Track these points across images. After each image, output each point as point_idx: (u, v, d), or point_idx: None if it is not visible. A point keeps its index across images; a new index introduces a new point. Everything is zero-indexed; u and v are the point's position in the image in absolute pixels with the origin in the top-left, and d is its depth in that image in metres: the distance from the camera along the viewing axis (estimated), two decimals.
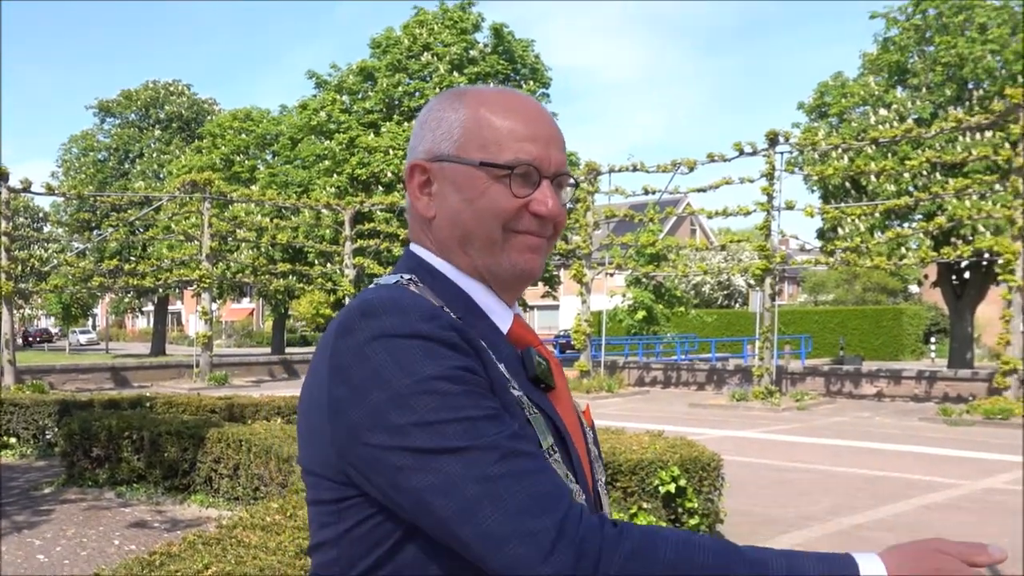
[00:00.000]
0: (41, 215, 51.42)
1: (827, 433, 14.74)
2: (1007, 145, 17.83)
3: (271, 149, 39.91)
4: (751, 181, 20.72)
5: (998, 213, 18.13)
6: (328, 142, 33.18)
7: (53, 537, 7.30)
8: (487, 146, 1.21)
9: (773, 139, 20.28)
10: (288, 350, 41.63)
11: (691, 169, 21.33)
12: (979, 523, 8.04)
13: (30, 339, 61.46)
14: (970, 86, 24.85)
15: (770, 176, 20.34)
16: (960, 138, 20.24)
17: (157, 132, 46.03)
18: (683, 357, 31.01)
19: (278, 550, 3.57)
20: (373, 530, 1.10)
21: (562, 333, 43.74)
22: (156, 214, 28.11)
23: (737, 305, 49.07)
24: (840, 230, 22.06)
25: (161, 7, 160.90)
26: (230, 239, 27.10)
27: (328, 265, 29.09)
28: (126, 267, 26.07)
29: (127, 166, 45.82)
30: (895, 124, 22.09)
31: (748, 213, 21.02)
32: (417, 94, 33.05)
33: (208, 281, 24.68)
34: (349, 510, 1.11)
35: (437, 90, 31.82)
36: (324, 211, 28.52)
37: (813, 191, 26.74)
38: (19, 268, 22.28)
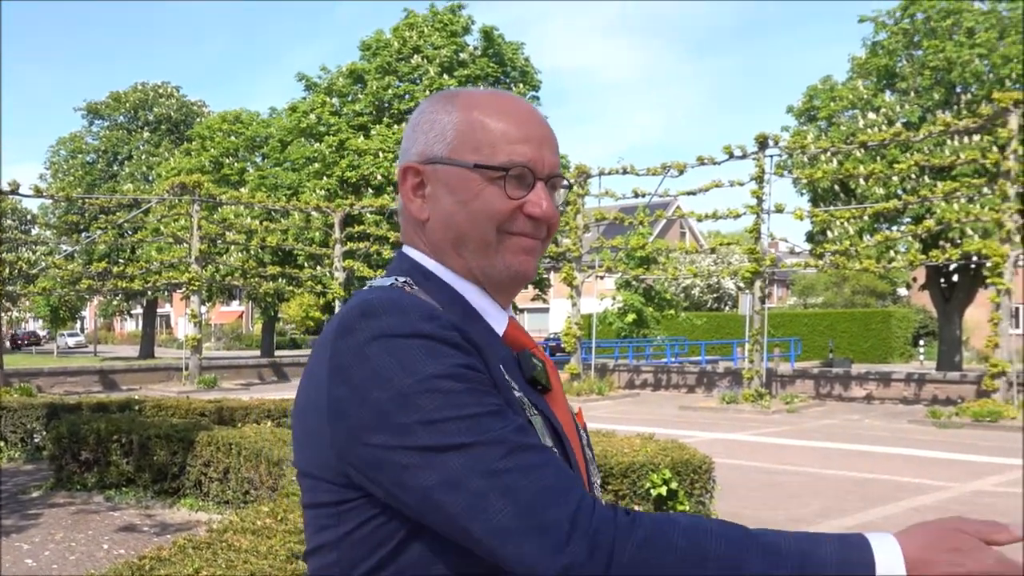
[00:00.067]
0: (29, 217, 51.15)
1: (817, 435, 14.77)
2: (995, 149, 17.91)
3: (261, 151, 39.81)
4: (741, 184, 20.77)
5: (986, 216, 18.21)
6: (318, 144, 33.12)
7: (41, 541, 7.26)
8: (481, 148, 1.20)
9: (763, 142, 20.34)
10: (278, 353, 41.52)
11: (681, 172, 21.37)
12: None
13: (18, 342, 61.20)
14: (958, 90, 24.98)
15: (760, 179, 20.39)
16: (948, 142, 20.33)
17: (146, 134, 45.87)
18: (673, 360, 31.05)
19: (269, 554, 3.56)
20: (375, 531, 1.09)
21: (552, 336, 43.72)
22: (145, 216, 28.01)
23: (727, 308, 49.18)
24: (829, 233, 22.14)
25: (151, 9, 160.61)
26: (219, 241, 27.02)
27: (318, 268, 29.02)
28: (115, 270, 25.95)
29: (116, 168, 45.65)
30: (884, 128, 22.17)
31: (738, 216, 21.08)
32: (407, 97, 33.03)
33: (197, 284, 24.60)
34: (350, 512, 1.10)
35: (427, 93, 31.79)
36: (314, 213, 28.47)
37: (802, 194, 26.86)
38: (7, 271, 22.19)
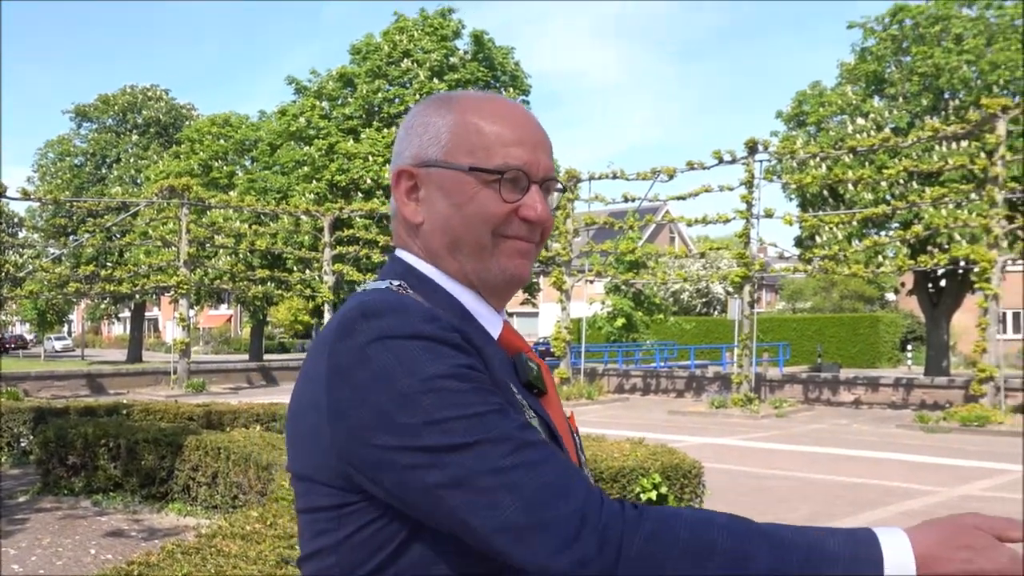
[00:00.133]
0: (16, 220, 50.80)
1: (806, 440, 14.80)
2: (983, 155, 18.00)
3: (250, 155, 39.72)
4: (730, 189, 20.82)
5: (974, 222, 18.29)
6: (307, 148, 33.06)
7: (28, 546, 7.21)
8: (476, 151, 1.20)
9: (752, 147, 20.39)
10: (266, 357, 41.42)
11: (671, 177, 21.42)
12: None
13: (5, 345, 60.82)
14: (946, 96, 25.11)
15: (749, 184, 20.44)
16: (936, 147, 20.42)
17: (135, 137, 45.71)
18: (662, 364, 31.07)
19: (259, 559, 3.54)
20: (375, 534, 1.08)
21: (542, 340, 43.72)
22: (133, 220, 27.89)
23: (716, 312, 49.24)
24: (818, 238, 22.24)
25: (140, 12, 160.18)
26: (208, 245, 26.96)
27: (307, 272, 28.97)
28: (102, 273, 25.85)
29: (104, 171, 45.48)
30: (872, 133, 22.28)
31: (727, 221, 21.13)
32: (397, 100, 33.00)
33: (186, 287, 24.52)
34: (350, 516, 1.09)
35: (417, 96, 31.79)
36: (303, 217, 28.42)
37: (791, 199, 26.94)
38: None
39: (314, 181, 32.19)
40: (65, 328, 67.64)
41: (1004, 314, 33.26)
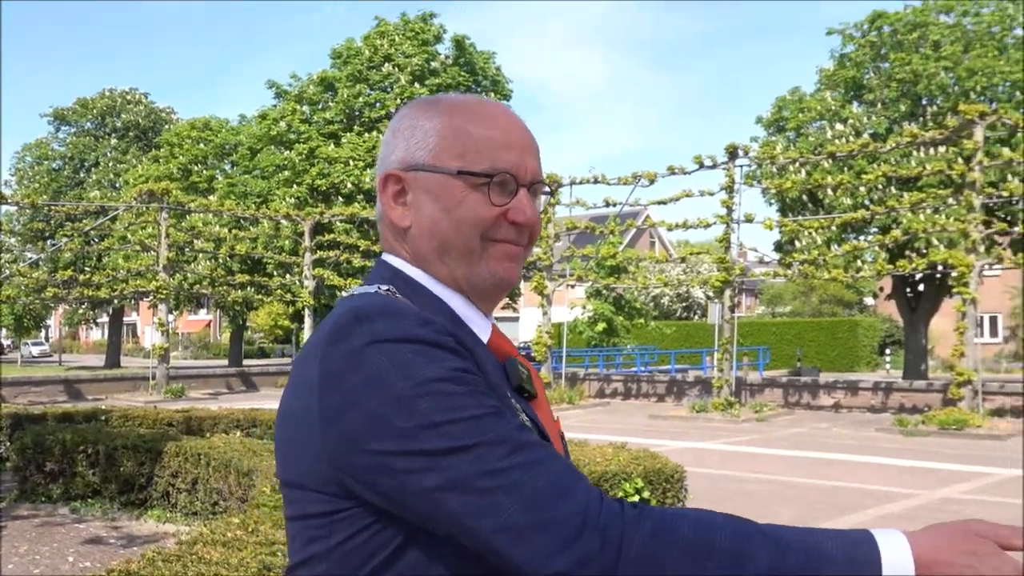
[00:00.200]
0: None
1: (786, 444, 14.86)
2: (960, 160, 18.15)
3: (230, 159, 39.58)
4: (711, 194, 20.90)
5: (952, 227, 18.43)
6: (288, 152, 32.96)
7: (5, 554, 7.13)
8: (464, 154, 1.19)
9: (733, 152, 20.48)
10: (246, 362, 41.23)
11: (652, 182, 21.47)
12: None
13: None
14: (924, 102, 25.32)
15: (729, 189, 20.53)
16: (915, 153, 20.59)
17: (113, 141, 45.42)
18: (643, 369, 31.13)
19: (240, 566, 3.51)
20: (369, 541, 1.07)
21: (523, 345, 43.72)
22: (112, 224, 27.70)
23: (696, 317, 49.42)
24: (797, 243, 22.33)
25: (119, 15, 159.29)
26: (187, 250, 26.81)
27: (287, 276, 28.88)
28: (81, 278, 25.66)
29: (82, 175, 45.15)
30: (851, 139, 22.42)
31: (708, 226, 21.20)
32: (378, 105, 32.95)
33: (165, 292, 24.37)
34: (342, 522, 1.08)
35: (398, 101, 31.76)
36: (283, 222, 28.32)
37: (771, 204, 27.07)
38: None
39: (294, 185, 32.10)
40: (42, 333, 67.12)
41: (981, 318, 33.54)
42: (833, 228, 22.29)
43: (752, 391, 22.08)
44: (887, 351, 39.27)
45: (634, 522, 0.98)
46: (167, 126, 44.98)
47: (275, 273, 29.71)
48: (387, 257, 1.26)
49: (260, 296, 29.16)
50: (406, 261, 1.23)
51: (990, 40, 24.68)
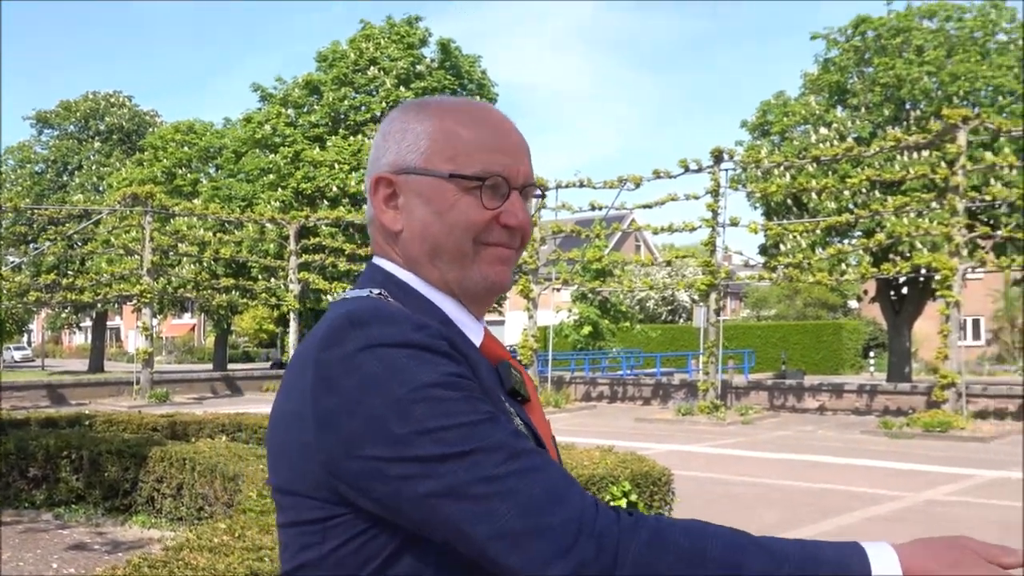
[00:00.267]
0: None
1: (771, 447, 14.90)
2: (944, 164, 18.26)
3: (214, 162, 39.42)
4: (696, 198, 20.94)
5: (935, 230, 18.54)
6: (273, 156, 32.86)
7: None
8: (455, 157, 1.19)
9: (718, 156, 20.54)
10: (231, 366, 41.05)
11: (637, 185, 21.51)
12: (923, 535, 8.14)
13: None
14: (907, 106, 25.47)
15: (715, 193, 20.58)
16: (898, 157, 20.71)
17: (97, 144, 45.17)
18: (629, 372, 31.17)
19: (227, 572, 3.48)
20: (363, 547, 1.06)
21: (509, 349, 43.64)
22: (95, 227, 27.58)
23: (681, 320, 49.52)
24: (782, 246, 22.41)
25: (102, 16, 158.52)
26: (172, 253, 26.68)
27: (272, 280, 28.78)
28: (64, 282, 25.51)
29: (65, 178, 44.86)
30: (835, 143, 22.53)
31: (693, 229, 21.24)
32: (363, 108, 32.91)
33: (149, 296, 24.26)
34: (336, 528, 1.07)
35: (384, 104, 31.74)
36: (268, 225, 28.23)
37: (756, 208, 27.18)
38: None
39: (279, 189, 32.00)
40: (25, 338, 66.66)
41: (965, 321, 33.73)
42: (817, 232, 22.39)
43: (737, 394, 22.14)
44: (871, 354, 39.45)
45: (630, 530, 0.98)
46: (151, 129, 44.76)
47: (260, 277, 29.60)
48: (378, 260, 1.25)
49: (245, 300, 29.05)
50: (397, 264, 1.22)
51: (972, 45, 24.86)
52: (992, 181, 19.25)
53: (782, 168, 21.34)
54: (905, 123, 24.44)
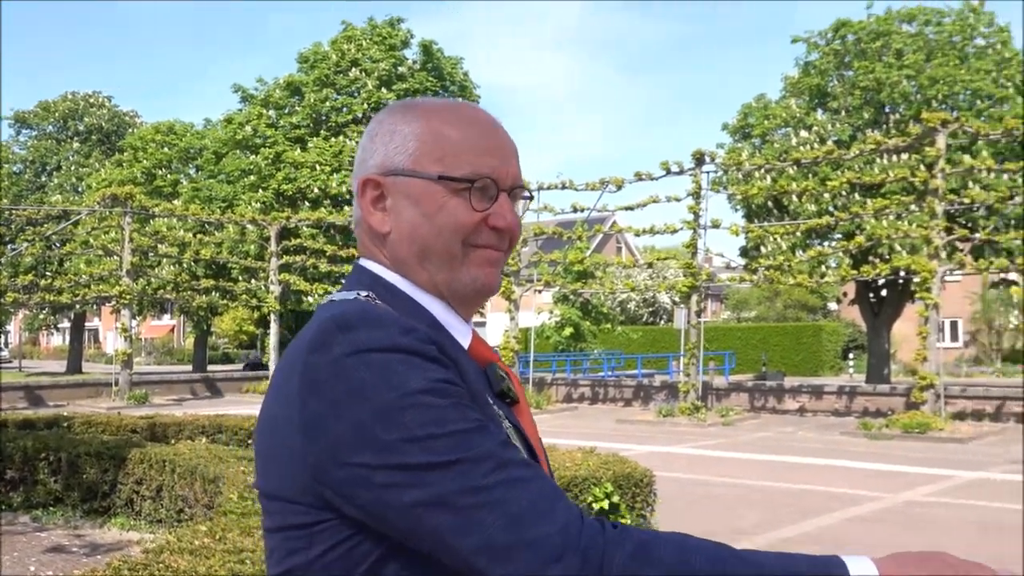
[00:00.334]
0: None
1: (752, 448, 14.96)
2: (923, 167, 18.40)
3: (195, 163, 39.18)
4: (678, 200, 21.02)
5: (915, 233, 18.67)
6: (254, 157, 32.70)
7: None
8: (444, 159, 1.18)
9: (699, 159, 20.62)
10: (210, 368, 40.79)
11: (619, 187, 21.57)
12: (902, 535, 8.22)
13: None
14: (887, 110, 25.63)
15: (696, 195, 20.66)
16: (878, 160, 20.83)
17: (76, 144, 44.81)
18: (610, 373, 31.21)
19: (208, 575, 3.46)
20: (349, 552, 1.05)
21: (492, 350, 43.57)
22: (74, 228, 27.35)
23: (662, 322, 49.64)
24: (763, 248, 22.52)
25: (81, 16, 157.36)
26: (151, 254, 26.53)
27: (253, 281, 28.63)
28: (42, 282, 25.33)
29: (44, 179, 44.49)
30: (816, 146, 22.65)
31: (675, 231, 21.33)
32: (344, 109, 32.81)
33: (128, 297, 24.10)
34: (322, 534, 1.06)
35: (365, 106, 31.66)
36: (249, 226, 28.10)
37: (737, 210, 27.26)
38: None
39: (260, 190, 31.85)
40: (2, 339, 66.06)
41: (943, 323, 33.97)
42: (798, 234, 22.51)
43: (718, 395, 22.22)
44: (851, 355, 39.66)
45: (614, 542, 0.98)
46: (131, 130, 44.44)
47: (240, 278, 29.44)
48: (365, 262, 1.24)
49: (225, 301, 28.90)
50: (384, 266, 1.21)
51: (951, 49, 25.04)
52: (970, 184, 19.40)
53: (763, 171, 21.44)
54: (885, 126, 24.59)
